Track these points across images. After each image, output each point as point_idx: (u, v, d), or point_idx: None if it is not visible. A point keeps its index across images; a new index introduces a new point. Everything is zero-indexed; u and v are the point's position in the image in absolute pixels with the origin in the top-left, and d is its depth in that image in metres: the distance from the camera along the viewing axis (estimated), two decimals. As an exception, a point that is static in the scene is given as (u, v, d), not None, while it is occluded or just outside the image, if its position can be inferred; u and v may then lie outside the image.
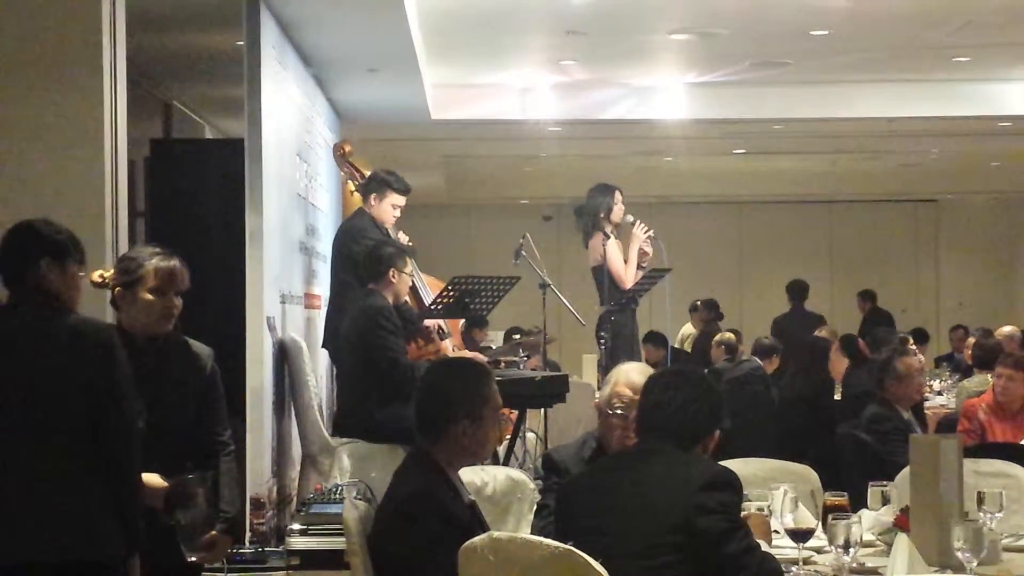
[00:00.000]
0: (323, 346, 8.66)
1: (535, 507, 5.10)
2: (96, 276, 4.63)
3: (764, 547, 3.97)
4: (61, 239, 4.24)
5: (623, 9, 9.63)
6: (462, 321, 8.95)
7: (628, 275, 9.54)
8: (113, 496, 4.02)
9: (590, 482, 4.09)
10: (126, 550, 4.09)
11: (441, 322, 8.13)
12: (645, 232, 9.70)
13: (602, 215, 9.62)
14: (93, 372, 4.03)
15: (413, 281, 7.95)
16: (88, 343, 4.07)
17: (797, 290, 15.01)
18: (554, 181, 18.44)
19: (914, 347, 11.41)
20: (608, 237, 9.55)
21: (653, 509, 3.80)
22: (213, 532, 4.51)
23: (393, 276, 7.39)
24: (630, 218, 9.71)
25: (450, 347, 8.12)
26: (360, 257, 7.66)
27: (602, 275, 9.53)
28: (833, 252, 21.12)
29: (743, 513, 4.15)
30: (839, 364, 10.27)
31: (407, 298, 7.80)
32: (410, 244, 8.26)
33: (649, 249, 9.72)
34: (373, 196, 8.30)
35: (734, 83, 12.54)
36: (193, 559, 4.45)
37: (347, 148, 9.00)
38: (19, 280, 4.17)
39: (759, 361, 10.71)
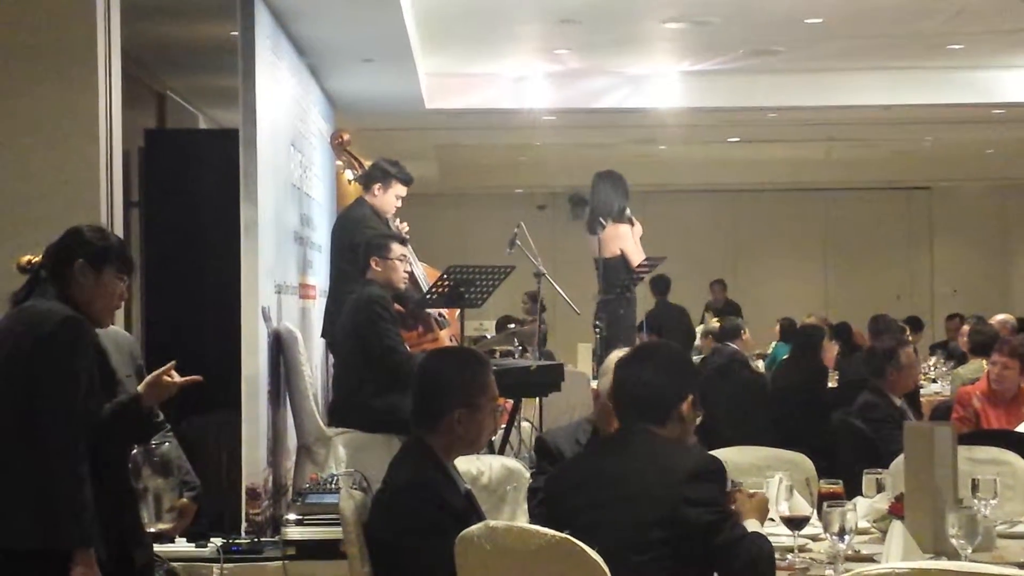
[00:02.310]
0: (322, 335, 8.66)
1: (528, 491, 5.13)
2: (24, 260, 4.34)
3: (756, 526, 3.98)
4: (102, 245, 4.23)
5: (617, -2, 9.65)
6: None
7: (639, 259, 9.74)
8: (39, 486, 3.92)
9: (577, 477, 4.05)
10: (67, 542, 3.94)
11: (440, 310, 8.14)
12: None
13: (618, 207, 9.69)
14: (25, 361, 3.99)
15: (412, 270, 7.95)
16: (27, 332, 4.03)
17: (661, 286, 15.16)
18: (548, 170, 18.46)
19: (911, 337, 11.44)
20: (633, 224, 9.68)
21: (639, 503, 3.77)
22: (183, 500, 4.54)
23: (376, 264, 7.38)
24: (628, 212, 9.78)
25: (447, 337, 8.13)
26: (358, 247, 7.66)
27: (605, 266, 9.59)
28: (827, 240, 21.15)
29: (751, 492, 4.17)
30: (830, 351, 10.31)
31: (406, 284, 7.79)
32: (406, 232, 8.27)
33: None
34: (377, 186, 8.28)
35: (728, 71, 12.54)
36: (161, 527, 4.46)
37: (345, 137, 8.99)
38: (56, 278, 4.18)
39: (733, 345, 10.74)
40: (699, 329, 15.32)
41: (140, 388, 4.22)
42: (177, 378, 4.23)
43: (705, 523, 3.73)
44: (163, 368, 4.23)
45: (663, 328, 12.94)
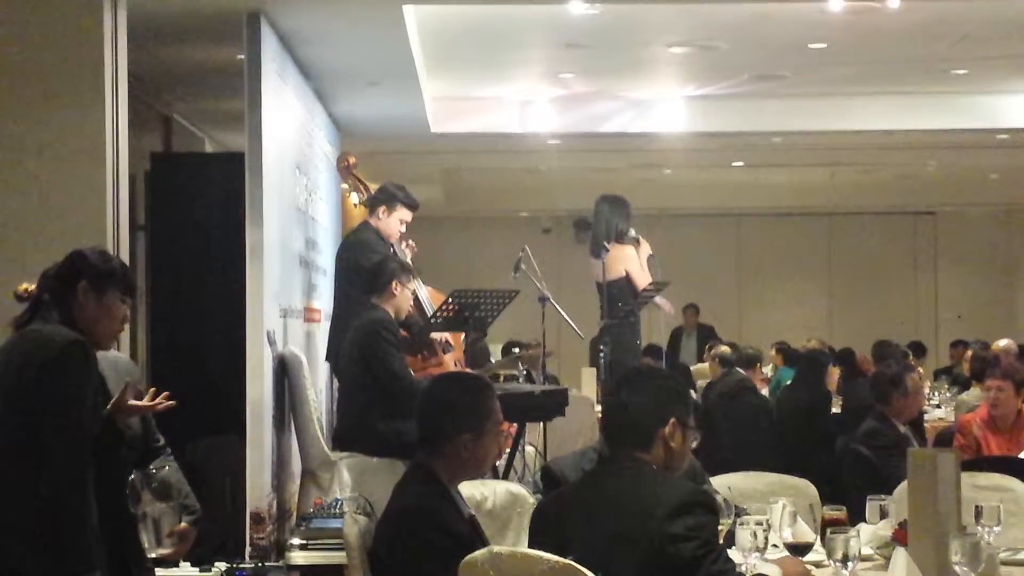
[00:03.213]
0: (326, 359, 8.66)
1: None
2: (21, 289, 4.27)
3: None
4: (105, 268, 4.22)
5: (622, 22, 9.66)
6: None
7: (644, 282, 9.72)
8: (44, 511, 3.88)
9: (565, 509, 3.96)
10: (73, 567, 3.90)
11: (445, 336, 8.14)
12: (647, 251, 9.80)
13: (621, 229, 9.68)
14: (30, 385, 3.94)
15: (416, 295, 7.96)
16: (32, 356, 3.99)
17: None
18: (553, 194, 18.47)
19: (914, 362, 11.43)
20: (639, 243, 9.66)
21: (625, 539, 3.70)
22: (183, 524, 4.53)
23: (396, 288, 7.38)
24: (633, 232, 9.76)
25: (452, 362, 8.12)
26: (365, 270, 7.66)
27: (610, 289, 9.58)
28: (832, 264, 21.15)
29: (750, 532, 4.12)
30: (832, 376, 10.32)
31: (411, 310, 7.80)
32: (414, 250, 8.28)
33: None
34: (381, 209, 8.26)
35: (733, 96, 12.57)
36: (161, 552, 4.45)
37: (352, 160, 8.96)
38: (58, 301, 4.18)
39: (743, 372, 10.74)
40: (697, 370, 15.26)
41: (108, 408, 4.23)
42: (139, 402, 4.25)
43: (689, 557, 3.64)
44: (122, 389, 4.23)
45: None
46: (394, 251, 8.18)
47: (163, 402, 4.31)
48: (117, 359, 4.67)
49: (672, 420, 3.90)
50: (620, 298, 9.86)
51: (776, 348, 13.81)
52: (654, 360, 12.32)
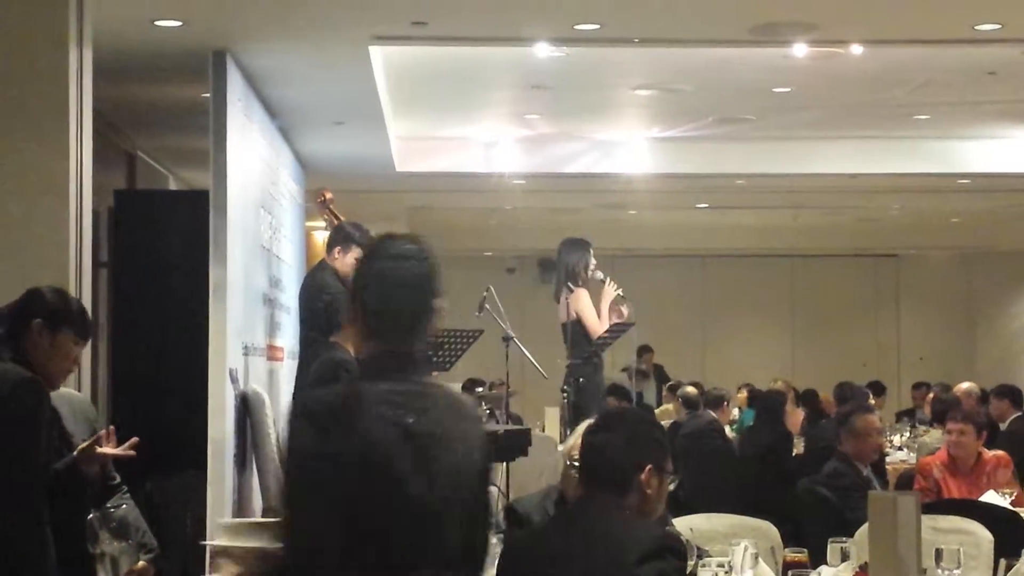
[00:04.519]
0: (292, 399, 8.63)
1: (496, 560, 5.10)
2: None
3: None
4: (60, 308, 4.23)
5: (588, 64, 9.71)
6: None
7: (601, 328, 9.62)
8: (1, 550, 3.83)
9: (535, 550, 3.91)
10: None
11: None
12: (616, 290, 9.75)
13: (580, 271, 9.65)
14: None
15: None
16: None
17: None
18: (518, 234, 18.51)
19: (873, 402, 11.48)
20: (583, 287, 9.60)
21: None
22: (141, 563, 4.50)
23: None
24: (600, 275, 9.75)
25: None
26: (319, 312, 7.64)
27: (573, 329, 9.56)
28: (795, 306, 21.24)
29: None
30: (795, 417, 10.33)
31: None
32: None
33: (624, 309, 9.76)
34: (337, 250, 8.26)
35: (697, 138, 12.63)
36: None
37: (328, 196, 8.93)
38: (11, 338, 4.16)
39: (712, 414, 10.75)
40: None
41: (75, 455, 4.20)
42: (109, 449, 4.23)
43: None
44: (92, 439, 4.21)
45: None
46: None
47: (128, 451, 4.29)
48: (72, 396, 4.65)
49: (649, 467, 3.85)
50: (582, 340, 9.85)
51: (746, 390, 13.86)
52: (618, 400, 12.34)
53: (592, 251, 9.73)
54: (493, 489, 3.66)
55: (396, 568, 2.98)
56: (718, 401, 11.15)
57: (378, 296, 3.34)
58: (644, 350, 16.96)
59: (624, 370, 15.27)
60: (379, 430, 3.02)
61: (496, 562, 5.05)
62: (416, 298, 3.42)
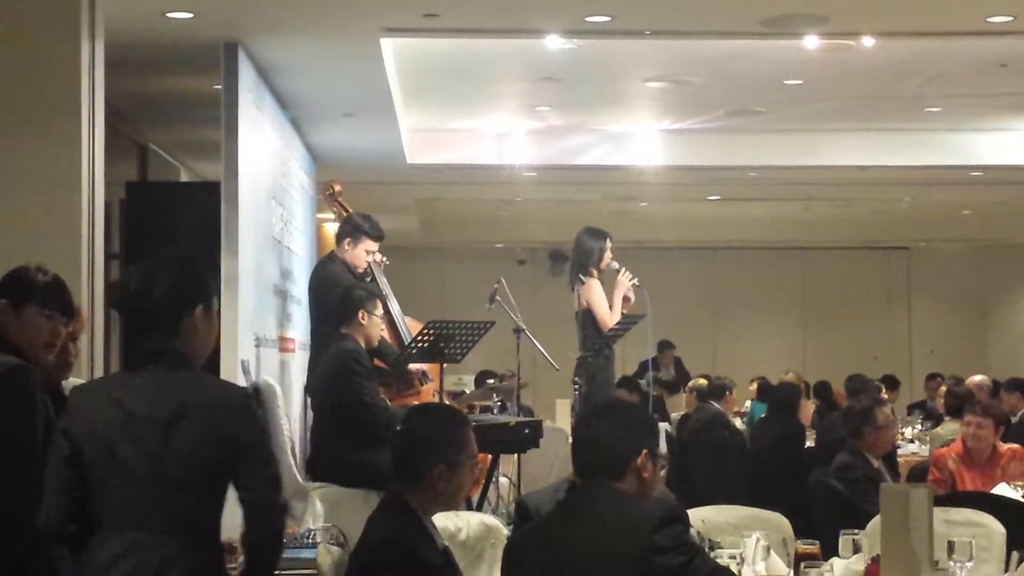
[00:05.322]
0: (305, 390, 8.64)
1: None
2: None
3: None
4: (24, 283, 4.11)
5: (598, 56, 9.70)
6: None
7: (612, 320, 9.58)
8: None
9: (541, 539, 3.97)
10: None
11: (424, 367, 8.14)
12: (630, 280, 9.71)
13: (594, 259, 9.62)
14: None
15: (395, 322, 7.94)
16: None
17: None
18: (528, 226, 18.50)
19: (886, 395, 11.47)
20: (597, 277, 9.58)
21: (610, 558, 3.74)
22: None
23: (363, 318, 7.38)
24: (615, 265, 9.72)
25: (431, 392, 8.12)
26: (331, 303, 7.66)
27: (584, 320, 9.54)
28: (806, 298, 21.22)
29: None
30: (806, 410, 10.33)
31: (386, 336, 7.79)
32: (386, 263, 8.27)
33: (632, 296, 9.72)
34: (347, 241, 8.30)
35: (708, 130, 12.61)
36: None
37: (337, 188, 8.95)
38: None
39: (717, 405, 10.74)
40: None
41: None
42: None
43: (676, 565, 3.65)
44: None
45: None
46: (368, 270, 8.19)
47: None
48: None
49: (644, 451, 3.91)
50: (593, 331, 9.82)
51: (757, 383, 13.85)
52: (628, 392, 12.35)
53: (607, 241, 9.69)
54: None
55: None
56: (720, 391, 11.13)
57: None
58: (665, 345, 16.94)
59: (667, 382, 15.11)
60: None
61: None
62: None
